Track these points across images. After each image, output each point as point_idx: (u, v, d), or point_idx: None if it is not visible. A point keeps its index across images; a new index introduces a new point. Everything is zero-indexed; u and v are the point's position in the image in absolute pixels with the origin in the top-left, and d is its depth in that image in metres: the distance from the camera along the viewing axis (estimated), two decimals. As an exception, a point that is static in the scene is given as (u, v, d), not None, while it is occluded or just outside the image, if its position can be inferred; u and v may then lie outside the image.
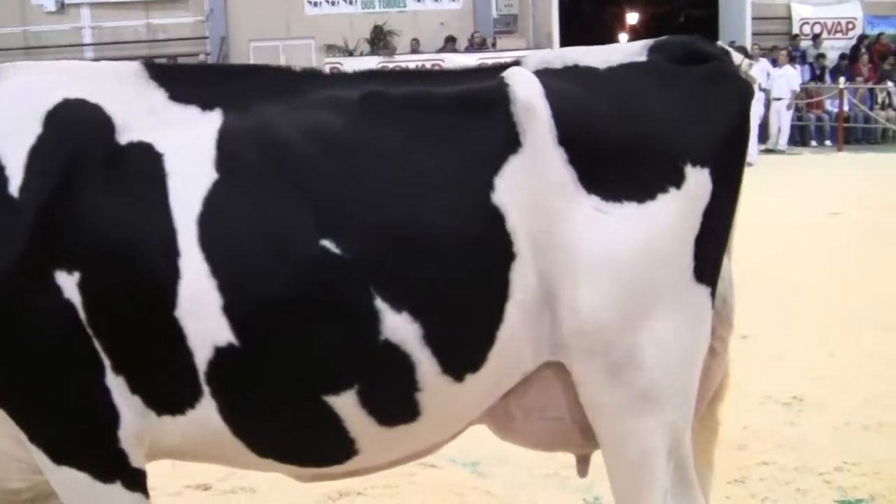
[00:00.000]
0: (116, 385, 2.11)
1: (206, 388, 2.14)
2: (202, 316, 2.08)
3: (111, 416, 2.12)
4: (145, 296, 2.08)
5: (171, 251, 2.09)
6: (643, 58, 2.42)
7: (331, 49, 21.16)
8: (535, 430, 2.44)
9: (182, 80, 2.32)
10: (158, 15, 22.89)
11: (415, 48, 21.50)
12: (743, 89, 2.40)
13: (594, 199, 2.23)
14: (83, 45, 22.69)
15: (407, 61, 18.83)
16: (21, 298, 2.04)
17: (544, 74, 2.33)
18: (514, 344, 2.23)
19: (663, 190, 2.27)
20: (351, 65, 18.09)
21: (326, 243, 2.10)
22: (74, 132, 2.13)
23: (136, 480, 2.21)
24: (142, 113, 2.20)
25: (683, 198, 2.28)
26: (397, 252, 2.13)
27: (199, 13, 22.97)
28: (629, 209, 2.25)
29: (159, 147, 2.15)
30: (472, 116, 2.24)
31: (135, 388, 2.12)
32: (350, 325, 2.12)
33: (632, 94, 2.33)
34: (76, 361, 2.08)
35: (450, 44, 21.81)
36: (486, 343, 2.20)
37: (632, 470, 2.34)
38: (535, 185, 2.20)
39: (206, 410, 2.16)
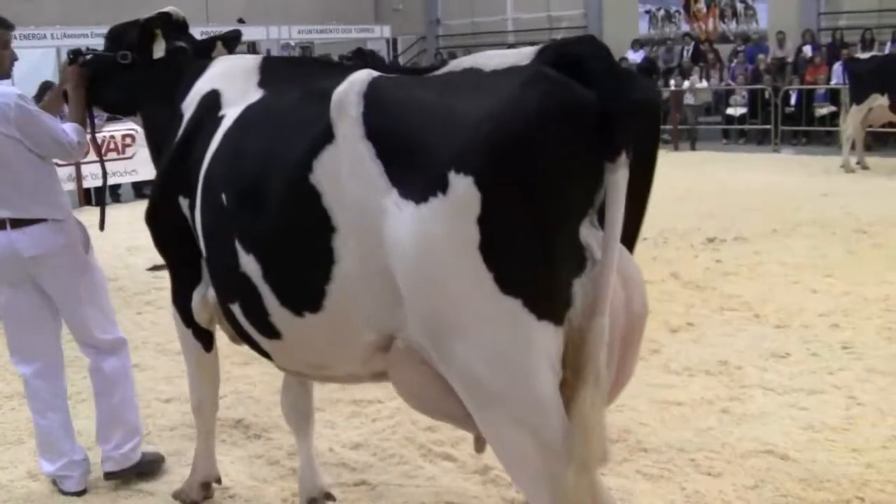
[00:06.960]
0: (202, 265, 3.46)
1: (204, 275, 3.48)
2: (196, 223, 3.34)
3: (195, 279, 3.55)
4: (189, 204, 3.41)
5: (197, 178, 3.31)
6: (526, 62, 2.41)
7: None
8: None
9: (275, 69, 3.44)
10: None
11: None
12: (554, 97, 2.28)
13: (394, 194, 2.47)
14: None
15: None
16: (165, 211, 3.54)
17: (396, 78, 2.72)
18: (352, 302, 2.68)
19: (432, 194, 2.35)
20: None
21: (223, 195, 3.09)
22: (202, 108, 3.49)
23: (201, 334, 3.71)
24: (240, 94, 3.37)
25: (449, 204, 2.32)
26: (248, 208, 2.93)
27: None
28: (410, 209, 2.41)
29: (228, 117, 3.32)
30: (322, 109, 2.72)
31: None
32: (227, 256, 3.06)
33: (451, 98, 2.45)
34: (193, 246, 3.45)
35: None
36: (318, 292, 2.75)
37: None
38: (345, 173, 2.59)
39: (211, 291, 3.44)
